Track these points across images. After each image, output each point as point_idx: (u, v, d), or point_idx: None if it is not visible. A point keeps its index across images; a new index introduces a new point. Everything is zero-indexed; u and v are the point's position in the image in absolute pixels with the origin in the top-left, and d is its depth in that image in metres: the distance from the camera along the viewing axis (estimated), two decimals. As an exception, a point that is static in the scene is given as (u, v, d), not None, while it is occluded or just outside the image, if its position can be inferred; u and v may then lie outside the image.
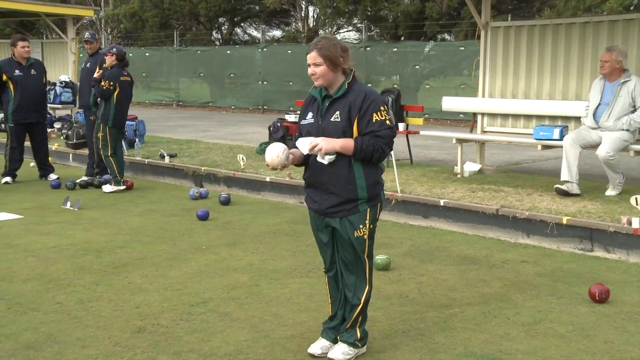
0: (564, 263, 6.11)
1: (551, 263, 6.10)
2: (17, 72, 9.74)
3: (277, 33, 32.87)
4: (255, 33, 32.52)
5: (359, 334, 4.08)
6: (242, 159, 9.98)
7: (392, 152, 8.85)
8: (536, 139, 8.38)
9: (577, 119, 8.12)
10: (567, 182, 7.47)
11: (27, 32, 26.01)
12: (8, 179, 9.95)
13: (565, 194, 7.44)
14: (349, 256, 4.01)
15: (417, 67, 19.64)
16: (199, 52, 25.01)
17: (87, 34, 10.71)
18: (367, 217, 3.97)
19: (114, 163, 9.24)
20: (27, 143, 10.22)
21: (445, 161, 10.87)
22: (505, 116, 9.30)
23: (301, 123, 4.09)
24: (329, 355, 4.06)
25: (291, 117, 11.68)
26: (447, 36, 25.65)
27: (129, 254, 6.32)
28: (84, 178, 9.89)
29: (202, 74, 24.63)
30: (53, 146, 11.87)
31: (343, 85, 3.91)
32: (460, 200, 7.57)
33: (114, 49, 9.26)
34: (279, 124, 11.82)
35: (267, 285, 5.44)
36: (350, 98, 3.88)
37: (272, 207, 8.57)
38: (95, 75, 9.28)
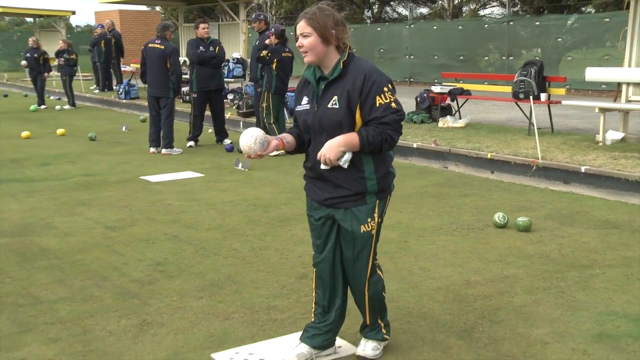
0: None
1: (696, 230, 5.63)
2: (201, 48, 10.27)
3: (424, 10, 32.19)
4: (403, 11, 32.04)
5: (384, 330, 3.44)
6: (392, 126, 9.94)
7: (534, 121, 8.51)
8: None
9: None
10: None
11: (207, 16, 27.21)
12: (192, 143, 10.57)
13: None
14: (350, 253, 3.22)
15: (559, 39, 18.55)
16: (351, 29, 24.55)
17: (253, 15, 11.12)
18: (376, 210, 3.17)
19: (276, 129, 9.54)
20: (207, 113, 10.76)
21: (586, 130, 10.25)
22: (651, 86, 8.60)
23: (296, 109, 3.25)
24: (358, 352, 3.42)
25: (437, 88, 11.48)
26: (588, 8, 23.95)
27: (291, 210, 6.52)
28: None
29: (354, 50, 24.64)
30: (226, 115, 12.39)
31: (338, 65, 3.09)
32: (602, 167, 7.14)
33: (273, 29, 9.66)
34: (425, 95, 11.66)
35: (415, 241, 5.43)
36: (348, 80, 3.06)
37: (418, 171, 8.50)
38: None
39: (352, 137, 3.02)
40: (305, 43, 3.05)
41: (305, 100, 3.20)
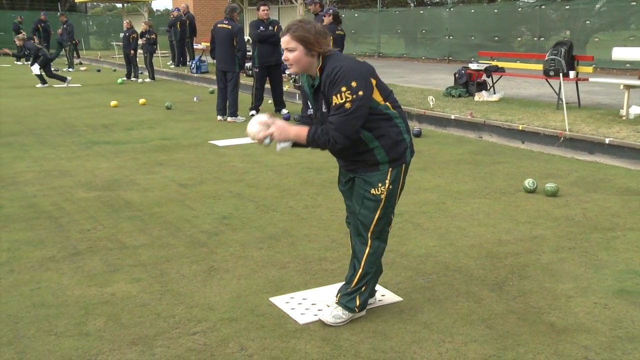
0: None
1: None
2: (261, 28, 10.13)
3: (462, -5, 31.15)
4: (443, -5, 31.11)
5: (358, 302, 3.10)
6: (432, 100, 9.71)
7: (562, 96, 8.16)
8: None
9: None
10: None
11: (268, 0, 26.99)
12: (254, 112, 10.51)
13: None
14: (357, 209, 3.03)
15: (587, 22, 17.69)
16: (397, 12, 24.45)
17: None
18: (388, 177, 2.95)
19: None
20: (267, 86, 10.70)
21: (610, 105, 9.80)
22: (674, 64, 8.12)
23: (309, 114, 3.08)
24: (319, 316, 3.16)
25: (474, 66, 11.14)
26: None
27: (341, 172, 6.43)
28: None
29: (399, 31, 24.11)
30: (284, 88, 12.31)
31: (317, 74, 2.89)
32: (625, 139, 6.82)
33: (330, 10, 9.55)
34: (463, 71, 11.32)
35: (452, 203, 5.31)
36: (322, 85, 2.86)
37: (455, 140, 8.29)
38: None
39: (303, 132, 2.89)
40: (290, 57, 2.84)
41: (309, 105, 3.06)
